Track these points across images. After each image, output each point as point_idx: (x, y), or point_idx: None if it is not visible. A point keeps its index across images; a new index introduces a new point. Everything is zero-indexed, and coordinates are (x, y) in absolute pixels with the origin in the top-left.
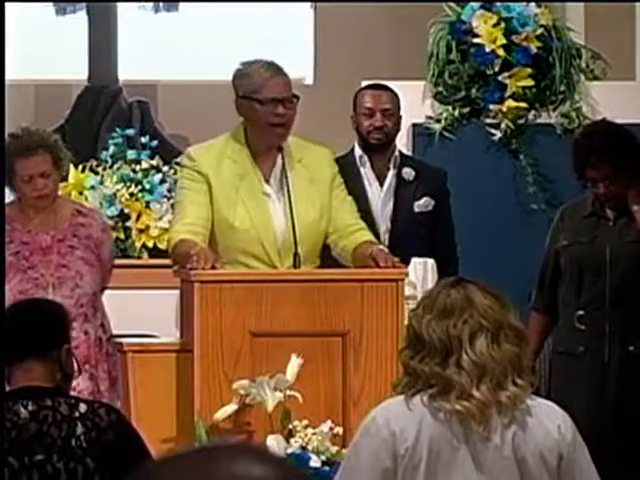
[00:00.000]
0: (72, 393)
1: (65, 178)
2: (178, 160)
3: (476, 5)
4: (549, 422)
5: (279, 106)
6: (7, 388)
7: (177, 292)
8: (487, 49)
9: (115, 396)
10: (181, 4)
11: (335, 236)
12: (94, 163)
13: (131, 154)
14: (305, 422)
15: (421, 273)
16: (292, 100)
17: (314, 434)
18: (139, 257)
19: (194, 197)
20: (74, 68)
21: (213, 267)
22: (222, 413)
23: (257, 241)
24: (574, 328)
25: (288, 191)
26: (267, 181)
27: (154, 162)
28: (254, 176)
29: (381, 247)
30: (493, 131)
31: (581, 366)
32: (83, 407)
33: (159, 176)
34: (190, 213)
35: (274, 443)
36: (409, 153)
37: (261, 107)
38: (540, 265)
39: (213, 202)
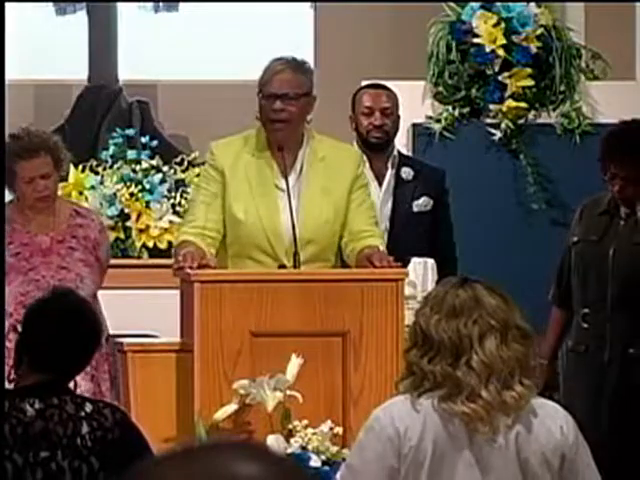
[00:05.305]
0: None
1: (65, 178)
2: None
3: (476, 5)
4: (552, 423)
5: (277, 101)
6: (7, 386)
7: (177, 292)
8: (487, 49)
9: (114, 395)
10: (181, 4)
11: (346, 239)
12: (94, 163)
13: (131, 154)
14: (305, 422)
15: (421, 273)
16: (293, 97)
17: (314, 434)
18: (139, 257)
19: (207, 197)
20: (74, 68)
21: (200, 266)
22: (222, 413)
23: (263, 234)
24: (579, 326)
25: (302, 188)
26: (286, 176)
27: (154, 162)
28: (270, 171)
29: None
30: (493, 131)
31: (582, 365)
32: (89, 406)
33: (159, 176)
34: (200, 215)
35: (274, 443)
36: (409, 153)
37: (262, 102)
38: (555, 260)
39: (226, 196)
